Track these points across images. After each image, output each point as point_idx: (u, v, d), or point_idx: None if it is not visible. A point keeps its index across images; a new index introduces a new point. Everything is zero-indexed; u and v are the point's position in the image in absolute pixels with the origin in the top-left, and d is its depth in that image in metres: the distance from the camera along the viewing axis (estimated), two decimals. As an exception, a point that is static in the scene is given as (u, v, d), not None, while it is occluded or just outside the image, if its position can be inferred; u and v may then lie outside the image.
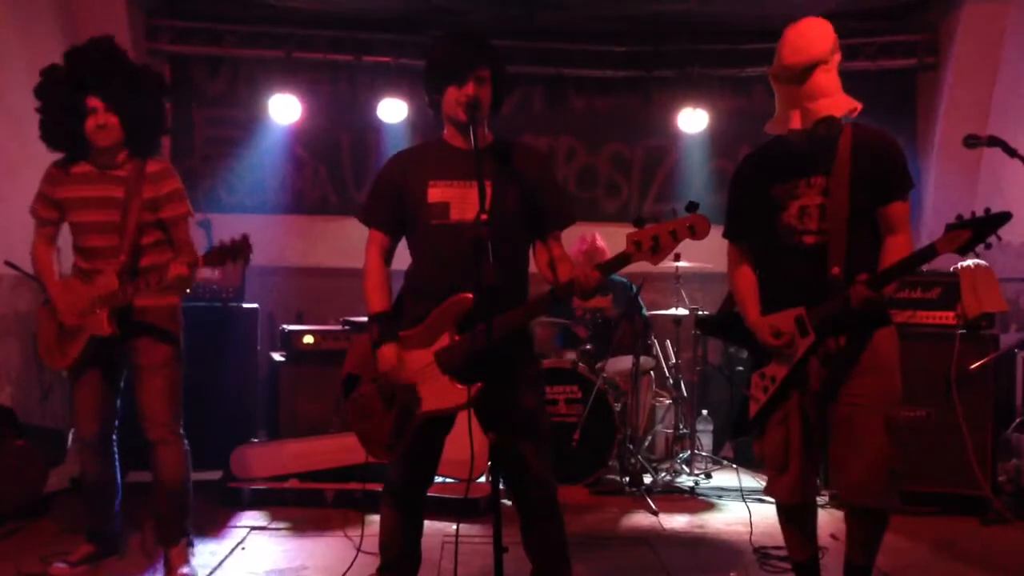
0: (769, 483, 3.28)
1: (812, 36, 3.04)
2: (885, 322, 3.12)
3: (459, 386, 2.86)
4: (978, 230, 2.77)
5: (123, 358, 3.76)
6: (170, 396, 3.72)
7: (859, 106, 3.06)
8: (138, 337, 3.69)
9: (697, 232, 2.75)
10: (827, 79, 3.03)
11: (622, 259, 2.81)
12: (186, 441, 3.78)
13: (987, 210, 2.79)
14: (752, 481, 5.43)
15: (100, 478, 3.83)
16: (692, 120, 6.88)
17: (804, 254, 3.08)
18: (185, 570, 3.69)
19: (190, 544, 3.86)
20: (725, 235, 3.34)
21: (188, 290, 3.73)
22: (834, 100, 3.02)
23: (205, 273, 5.53)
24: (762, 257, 3.27)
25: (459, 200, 2.95)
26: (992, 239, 2.78)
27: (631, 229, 2.81)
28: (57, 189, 3.69)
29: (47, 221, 3.76)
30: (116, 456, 3.89)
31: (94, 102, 3.57)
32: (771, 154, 3.24)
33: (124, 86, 3.62)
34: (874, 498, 3.05)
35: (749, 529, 4.31)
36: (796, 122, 3.07)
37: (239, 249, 3.41)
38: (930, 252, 2.84)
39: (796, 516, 3.29)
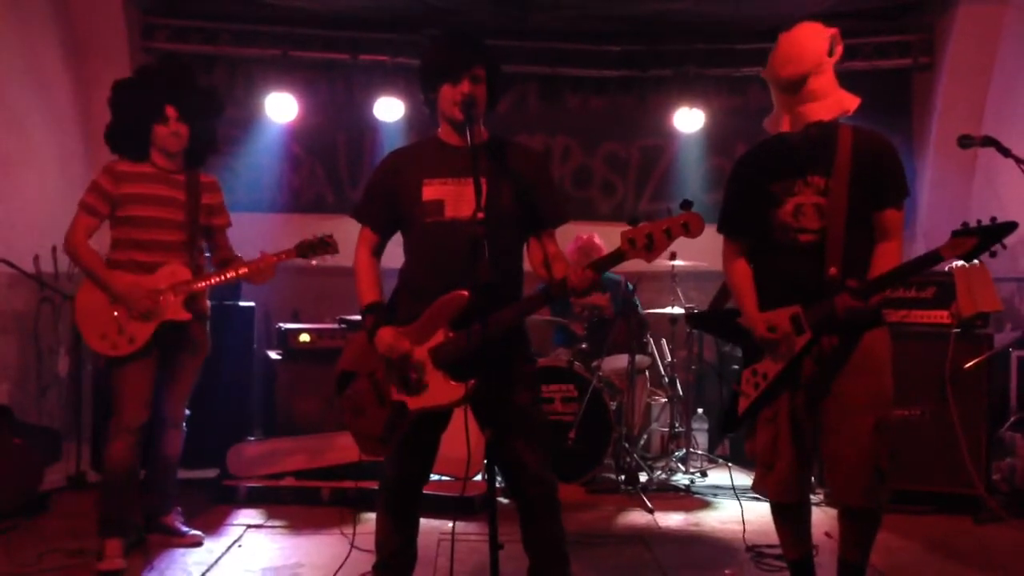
0: (757, 479, 3.30)
1: (804, 46, 3.04)
2: (878, 323, 3.14)
3: (453, 383, 2.86)
4: (984, 238, 2.80)
5: (176, 352, 4.01)
6: (188, 397, 4.15)
7: (852, 107, 3.06)
8: (193, 335, 4.03)
9: (691, 230, 2.75)
10: (820, 83, 3.03)
11: (616, 256, 2.81)
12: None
13: (993, 219, 2.81)
14: (747, 479, 5.45)
15: (133, 468, 3.86)
16: (688, 119, 6.90)
17: (799, 252, 3.09)
18: (192, 531, 4.15)
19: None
20: (720, 229, 3.33)
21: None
22: (824, 103, 3.03)
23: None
24: (757, 253, 3.27)
25: (453, 197, 2.96)
26: (996, 247, 2.80)
27: (626, 228, 2.81)
28: (121, 185, 3.91)
29: (97, 213, 3.93)
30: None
31: (171, 111, 3.92)
32: (770, 150, 3.24)
33: (199, 101, 4.05)
34: (862, 497, 3.06)
35: (743, 527, 4.31)
36: (785, 125, 3.10)
37: (327, 244, 4.17)
38: (934, 258, 2.87)
39: (790, 514, 3.30)
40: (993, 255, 2.82)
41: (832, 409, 3.09)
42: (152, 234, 3.91)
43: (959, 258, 2.85)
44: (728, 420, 3.32)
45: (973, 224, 2.85)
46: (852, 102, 3.06)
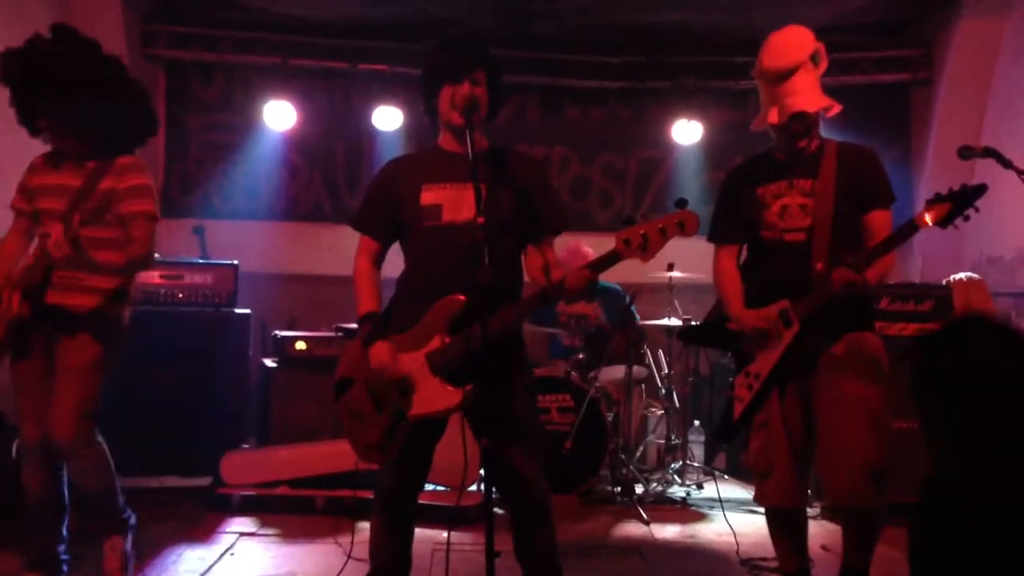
0: (757, 489, 3.33)
1: (791, 43, 3.21)
2: (868, 327, 3.21)
3: (450, 388, 2.83)
4: (958, 202, 2.90)
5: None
6: (78, 409, 3.39)
7: (836, 106, 3.20)
8: (60, 337, 3.42)
9: (686, 228, 2.73)
10: (805, 80, 3.16)
11: (612, 257, 2.79)
12: (102, 444, 3.50)
13: (963, 185, 2.93)
14: (743, 492, 5.43)
15: (46, 494, 3.48)
16: (686, 131, 6.92)
17: (785, 250, 3.18)
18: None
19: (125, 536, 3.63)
20: (710, 238, 3.43)
21: (124, 284, 3.51)
22: (808, 97, 3.15)
23: (197, 279, 5.54)
24: (747, 256, 3.37)
25: (451, 202, 2.95)
26: (971, 212, 2.89)
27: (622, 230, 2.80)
28: (33, 177, 3.57)
29: (19, 212, 3.61)
30: (63, 469, 3.52)
31: (42, 123, 3.49)
32: (758, 162, 3.37)
33: (61, 93, 3.42)
34: (853, 497, 3.07)
35: (736, 540, 4.29)
36: (773, 117, 3.19)
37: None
38: (911, 227, 2.96)
39: (786, 523, 3.30)
40: (966, 219, 2.90)
41: (824, 409, 3.13)
42: (43, 226, 3.45)
43: (936, 224, 2.91)
44: (725, 428, 3.35)
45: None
46: (835, 106, 3.20)
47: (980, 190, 2.88)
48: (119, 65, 3.62)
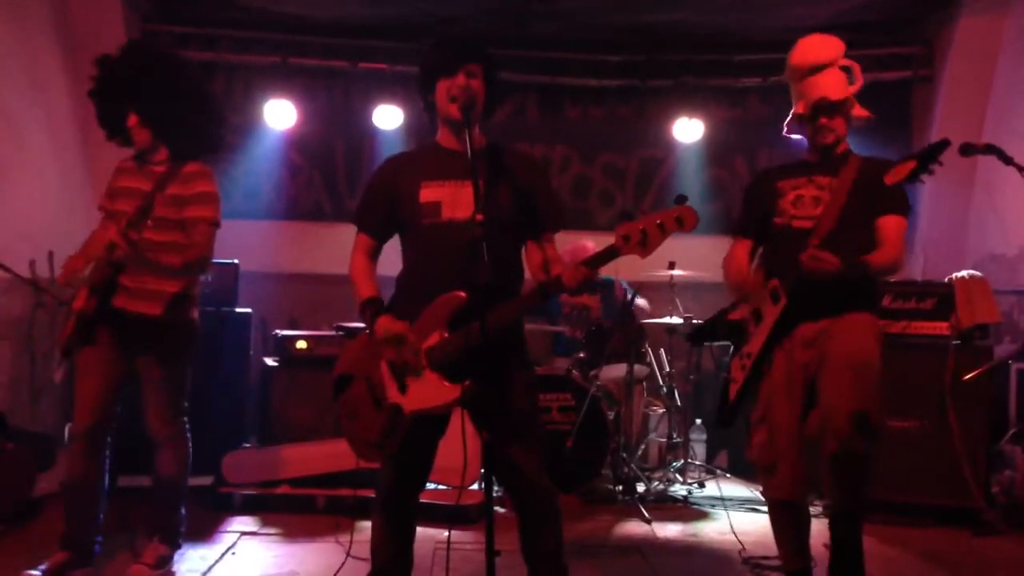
0: (763, 484, 3.39)
1: (817, 44, 3.41)
2: (868, 307, 3.31)
3: (448, 384, 2.81)
4: (921, 160, 3.00)
5: (136, 356, 3.70)
6: (168, 408, 3.77)
7: (861, 109, 3.38)
8: (131, 343, 3.67)
9: (685, 223, 2.70)
10: (832, 77, 3.34)
11: (610, 252, 2.76)
12: (187, 444, 3.86)
13: (928, 145, 3.05)
14: (744, 491, 5.43)
15: (84, 480, 3.63)
16: (687, 130, 6.91)
17: (792, 235, 3.29)
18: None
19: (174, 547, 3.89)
20: (732, 230, 3.60)
21: (187, 289, 3.73)
22: (834, 88, 3.31)
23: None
24: (763, 244, 3.51)
25: (450, 199, 2.93)
26: (935, 167, 2.99)
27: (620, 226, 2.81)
28: (116, 179, 3.79)
29: (105, 212, 3.81)
30: (106, 459, 3.71)
31: (133, 119, 3.70)
32: (789, 163, 3.53)
33: (146, 93, 3.69)
34: (840, 440, 3.07)
35: (740, 539, 4.29)
36: (799, 108, 3.39)
37: None
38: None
39: (789, 517, 3.32)
40: (931, 173, 2.99)
41: (819, 375, 3.20)
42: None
43: (903, 181, 3.03)
44: (721, 412, 3.40)
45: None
46: (860, 108, 3.38)
47: (942, 145, 2.99)
48: (206, 80, 4.00)
